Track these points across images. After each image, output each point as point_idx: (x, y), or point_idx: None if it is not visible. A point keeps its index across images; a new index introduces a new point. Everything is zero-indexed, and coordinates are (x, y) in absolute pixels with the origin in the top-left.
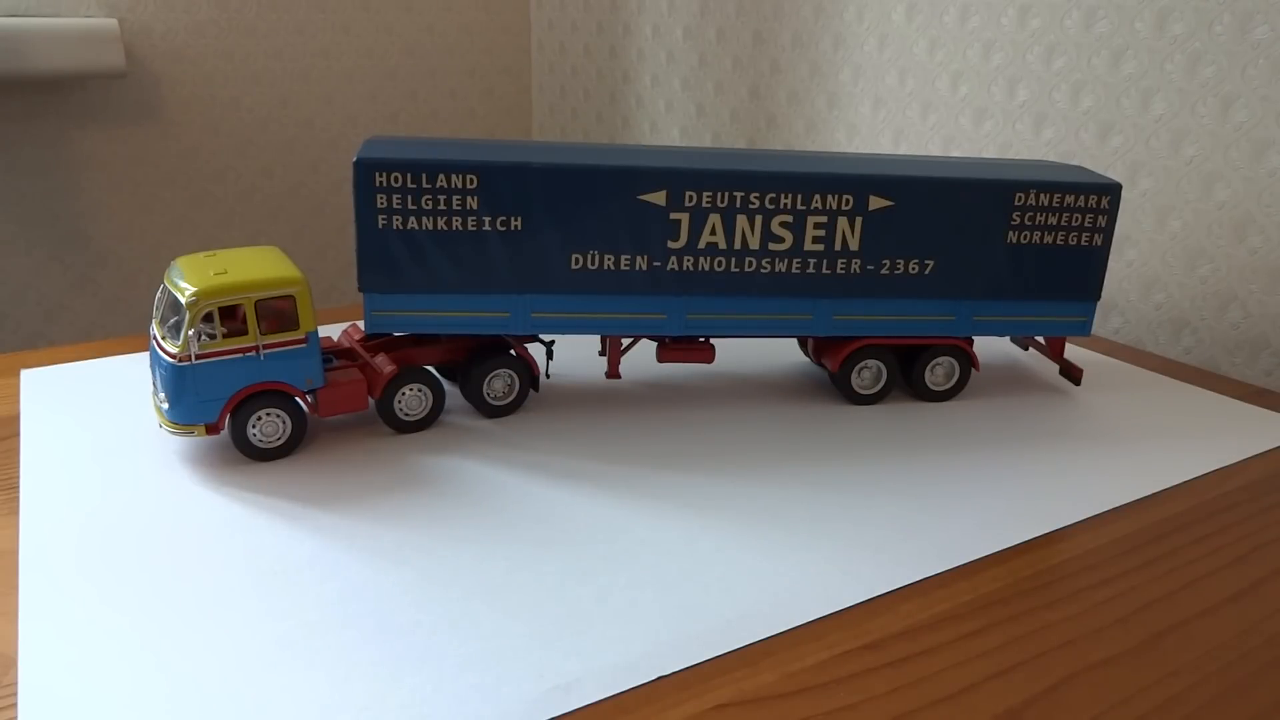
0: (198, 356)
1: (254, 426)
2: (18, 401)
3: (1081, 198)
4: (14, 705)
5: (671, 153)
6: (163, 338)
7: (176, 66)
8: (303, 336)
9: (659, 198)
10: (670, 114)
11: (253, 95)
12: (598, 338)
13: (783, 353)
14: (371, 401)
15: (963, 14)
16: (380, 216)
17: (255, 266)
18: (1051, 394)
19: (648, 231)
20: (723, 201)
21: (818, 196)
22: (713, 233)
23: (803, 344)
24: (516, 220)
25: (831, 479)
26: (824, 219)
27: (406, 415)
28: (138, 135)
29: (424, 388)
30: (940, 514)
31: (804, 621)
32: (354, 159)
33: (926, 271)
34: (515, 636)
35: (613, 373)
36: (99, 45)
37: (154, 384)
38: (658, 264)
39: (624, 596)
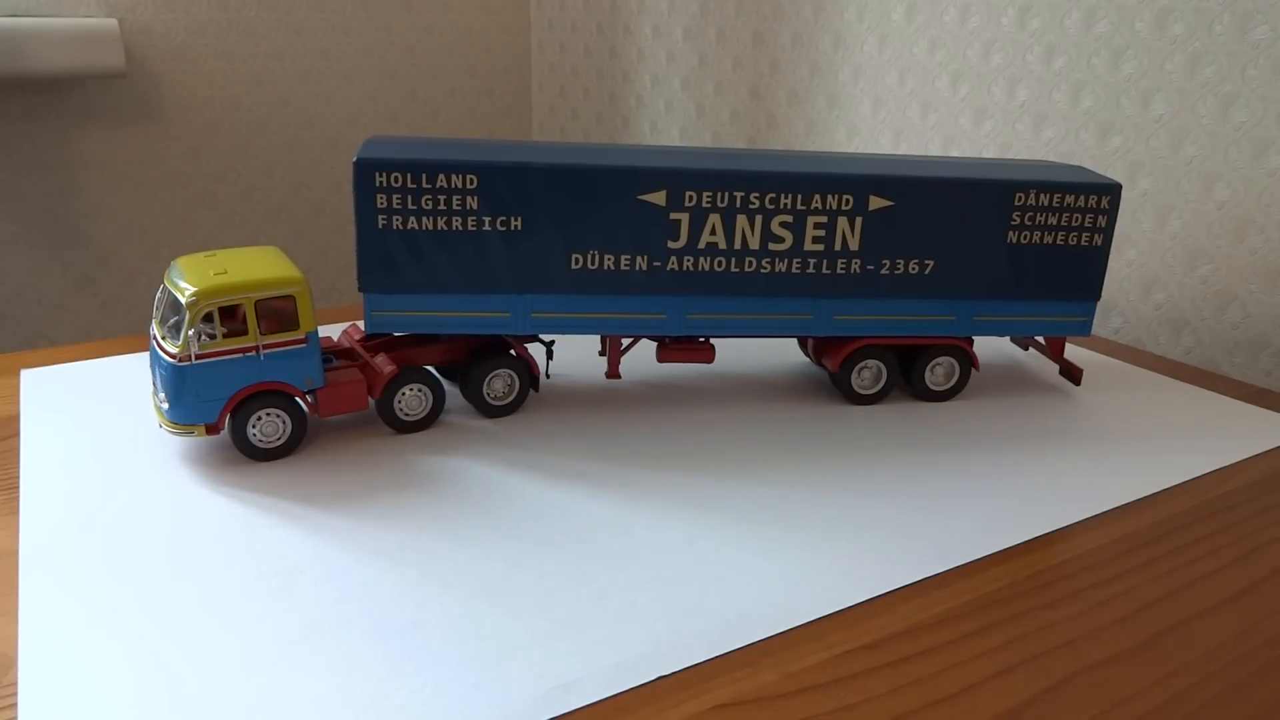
0: (198, 356)
1: (254, 426)
2: (18, 401)
3: (1081, 198)
4: (14, 705)
5: (671, 153)
6: (163, 338)
7: (176, 66)
8: (303, 336)
9: (659, 198)
10: (670, 114)
11: (253, 95)
12: (598, 338)
13: (783, 353)
14: (371, 401)
15: (963, 14)
16: (380, 216)
17: (255, 266)
18: (1051, 394)
19: (648, 231)
20: (723, 201)
21: (818, 196)
22: (713, 233)
23: (803, 344)
24: (516, 220)
25: (831, 479)
26: (824, 219)
27: (406, 415)
28: (138, 135)
29: (424, 388)
30: (940, 514)
31: (804, 621)
32: (354, 159)
33: (926, 271)
34: (515, 636)
35: (613, 373)
36: (99, 45)
37: (154, 384)
38: (658, 264)
39: (624, 596)
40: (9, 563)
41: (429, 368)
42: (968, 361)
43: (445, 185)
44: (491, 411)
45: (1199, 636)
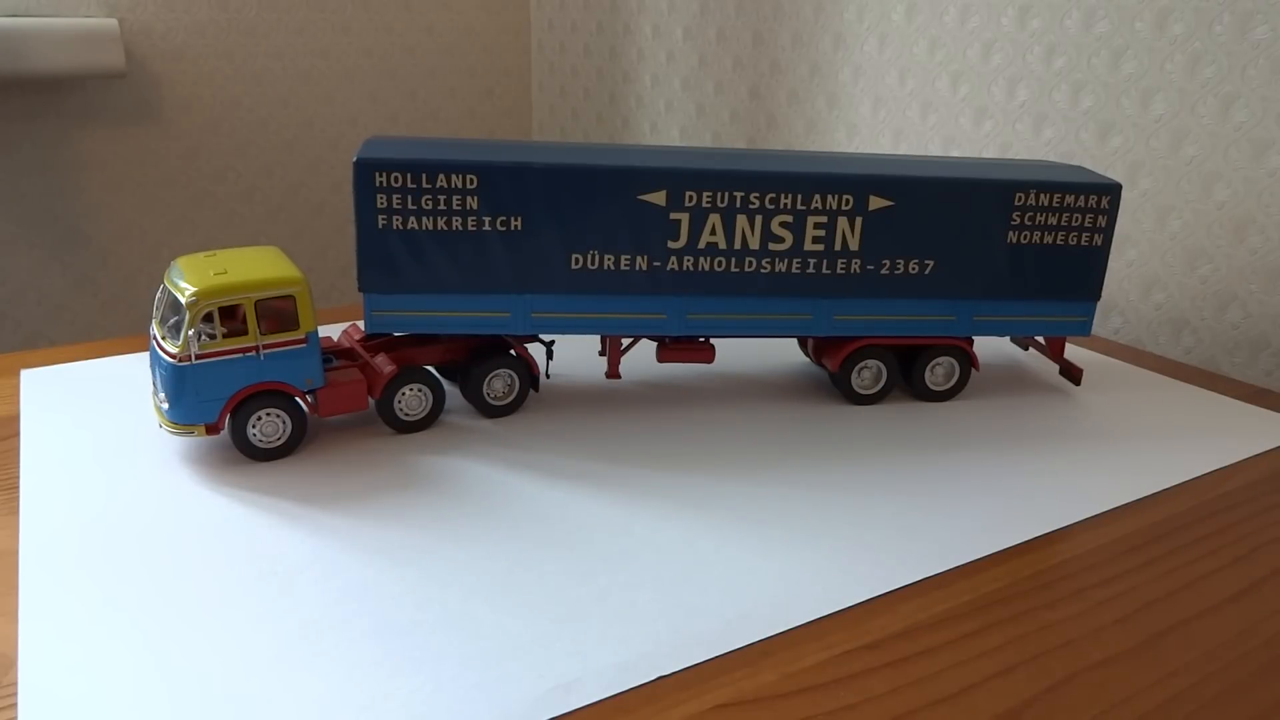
0: (198, 356)
1: (254, 426)
2: (18, 401)
3: (1081, 198)
4: (14, 705)
5: (671, 153)
6: (163, 338)
7: (176, 66)
8: (303, 336)
9: (659, 198)
10: (670, 114)
11: (253, 95)
12: (598, 338)
13: (783, 353)
14: (371, 401)
15: (963, 14)
16: (380, 216)
17: (255, 266)
18: (1051, 394)
19: (648, 231)
20: (723, 201)
21: (818, 196)
22: (713, 233)
23: (803, 344)
24: (516, 220)
25: (831, 479)
26: (824, 219)
27: (406, 415)
28: (138, 135)
29: (424, 388)
30: (940, 514)
31: (804, 621)
32: (354, 159)
33: (926, 271)
34: (515, 636)
35: (613, 373)
36: (99, 45)
37: (154, 384)
38: (658, 264)
39: (624, 596)
40: (9, 563)
41: (429, 368)
42: (968, 361)
43: (445, 185)
44: (491, 411)
45: (1199, 636)
